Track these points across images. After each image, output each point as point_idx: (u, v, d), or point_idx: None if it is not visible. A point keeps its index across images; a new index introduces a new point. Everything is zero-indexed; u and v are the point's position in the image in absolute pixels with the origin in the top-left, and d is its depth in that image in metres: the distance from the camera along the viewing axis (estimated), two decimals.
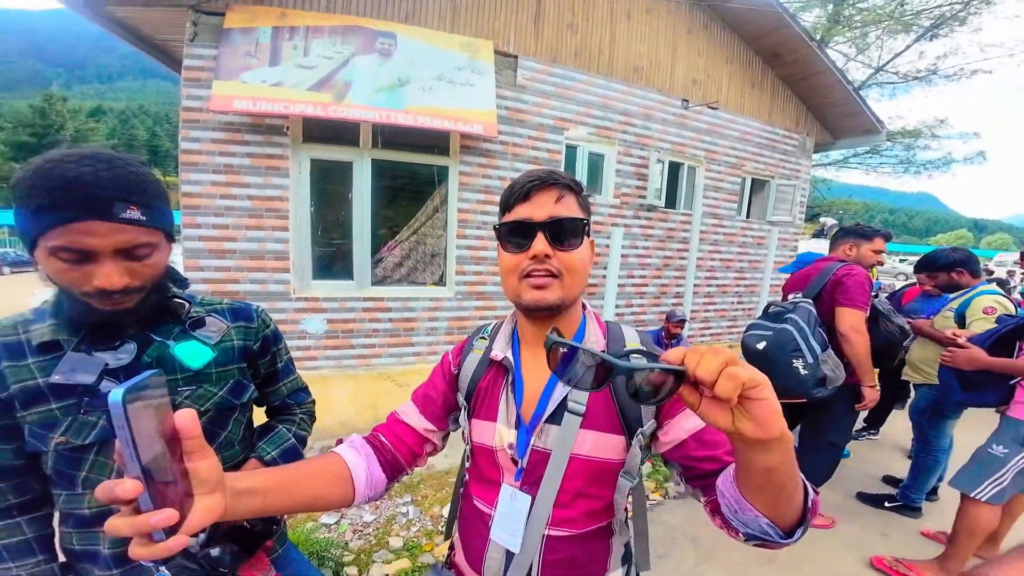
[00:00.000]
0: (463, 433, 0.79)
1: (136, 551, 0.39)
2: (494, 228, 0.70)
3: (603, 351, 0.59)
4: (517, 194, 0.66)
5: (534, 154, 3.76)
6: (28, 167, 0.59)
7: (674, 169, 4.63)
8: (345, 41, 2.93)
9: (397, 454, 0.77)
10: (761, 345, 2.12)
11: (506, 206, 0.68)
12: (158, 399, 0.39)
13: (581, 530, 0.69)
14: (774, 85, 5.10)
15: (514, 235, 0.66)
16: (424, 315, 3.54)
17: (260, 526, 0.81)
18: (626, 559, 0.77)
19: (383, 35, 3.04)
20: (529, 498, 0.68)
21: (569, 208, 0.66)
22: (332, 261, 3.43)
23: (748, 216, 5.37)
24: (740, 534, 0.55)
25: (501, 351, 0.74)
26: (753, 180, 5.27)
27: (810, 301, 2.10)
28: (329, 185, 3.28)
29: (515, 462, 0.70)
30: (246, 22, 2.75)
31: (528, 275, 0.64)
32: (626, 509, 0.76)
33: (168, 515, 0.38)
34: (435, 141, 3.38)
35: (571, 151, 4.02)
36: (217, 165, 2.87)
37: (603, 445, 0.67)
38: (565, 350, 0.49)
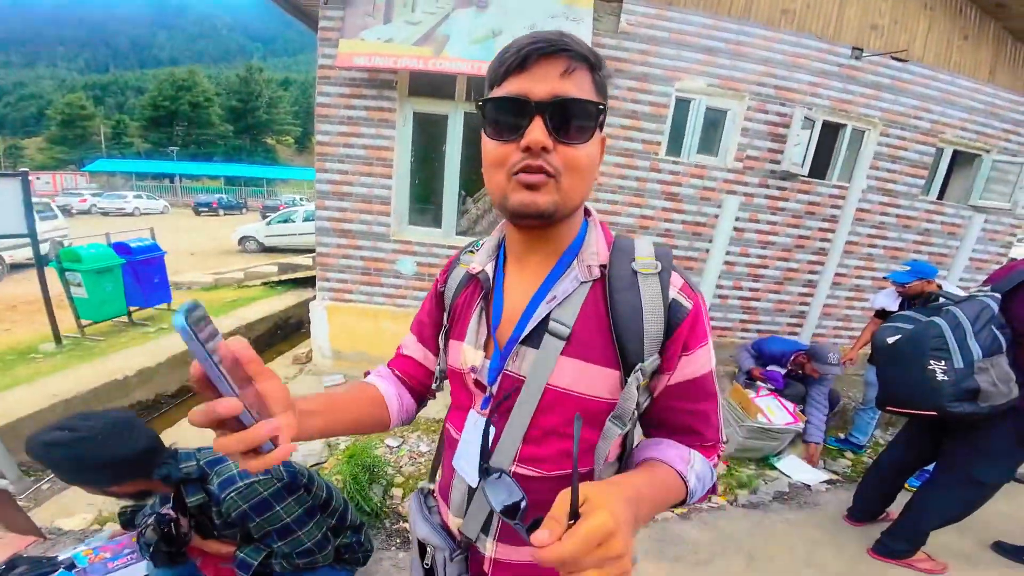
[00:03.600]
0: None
1: (251, 464, 0.40)
2: (477, 105, 0.55)
3: (601, 271, 0.60)
4: (511, 61, 0.51)
5: (632, 107, 3.57)
6: None
7: (829, 132, 3.89)
8: None
9: (412, 385, 0.78)
10: (893, 339, 1.82)
11: (495, 78, 0.54)
12: (209, 326, 0.38)
13: (552, 472, 0.62)
14: (997, 39, 3.83)
15: (503, 116, 0.53)
16: None
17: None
18: None
19: None
20: (491, 429, 0.61)
21: (581, 87, 0.52)
22: (425, 209, 3.89)
23: (941, 196, 4.24)
24: None
25: (479, 263, 0.67)
26: (955, 152, 4.11)
27: (996, 296, 1.69)
28: (428, 137, 3.67)
29: (481, 387, 0.65)
30: None
31: (518, 172, 0.52)
32: (619, 459, 0.69)
33: (275, 424, 0.41)
34: None
35: (682, 105, 3.69)
36: (342, 117, 3.47)
37: (589, 379, 0.58)
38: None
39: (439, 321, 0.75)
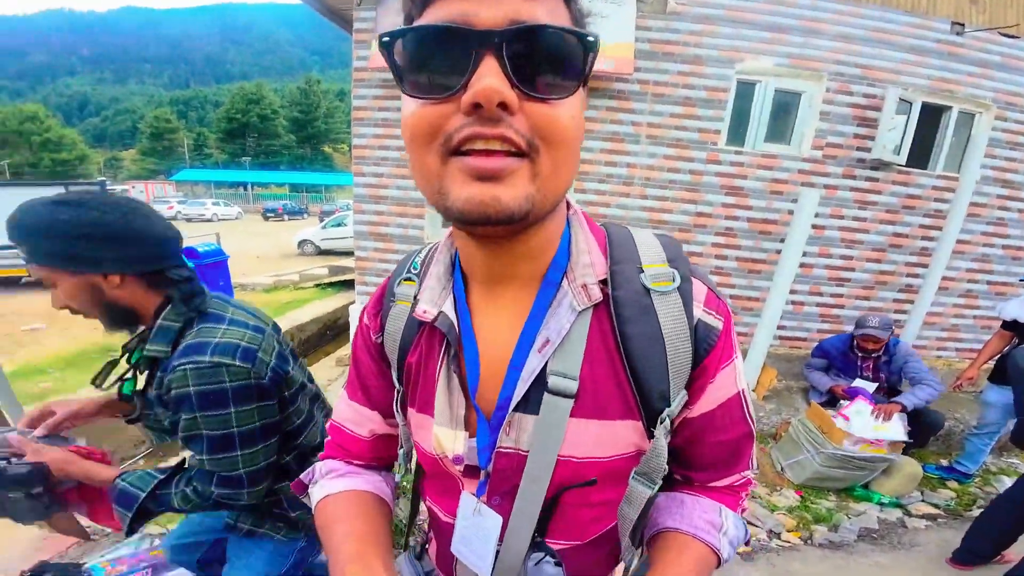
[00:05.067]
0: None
1: None
2: (381, 44, 0.35)
3: (602, 290, 0.45)
4: None
5: (685, 93, 3.23)
6: None
7: (930, 116, 3.30)
8: None
9: (381, 466, 0.62)
10: None
11: (415, 2, 0.36)
12: None
13: (584, 541, 0.53)
14: None
15: (431, 57, 0.34)
16: None
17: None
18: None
19: None
20: (499, 519, 0.49)
21: (552, 12, 0.35)
22: None
23: None
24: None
25: (431, 304, 0.48)
26: None
27: None
28: None
29: (472, 472, 0.50)
30: None
31: (461, 148, 0.34)
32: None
33: None
34: None
35: (746, 89, 3.29)
36: (376, 120, 3.44)
37: (611, 440, 0.46)
38: None
39: (389, 382, 0.56)
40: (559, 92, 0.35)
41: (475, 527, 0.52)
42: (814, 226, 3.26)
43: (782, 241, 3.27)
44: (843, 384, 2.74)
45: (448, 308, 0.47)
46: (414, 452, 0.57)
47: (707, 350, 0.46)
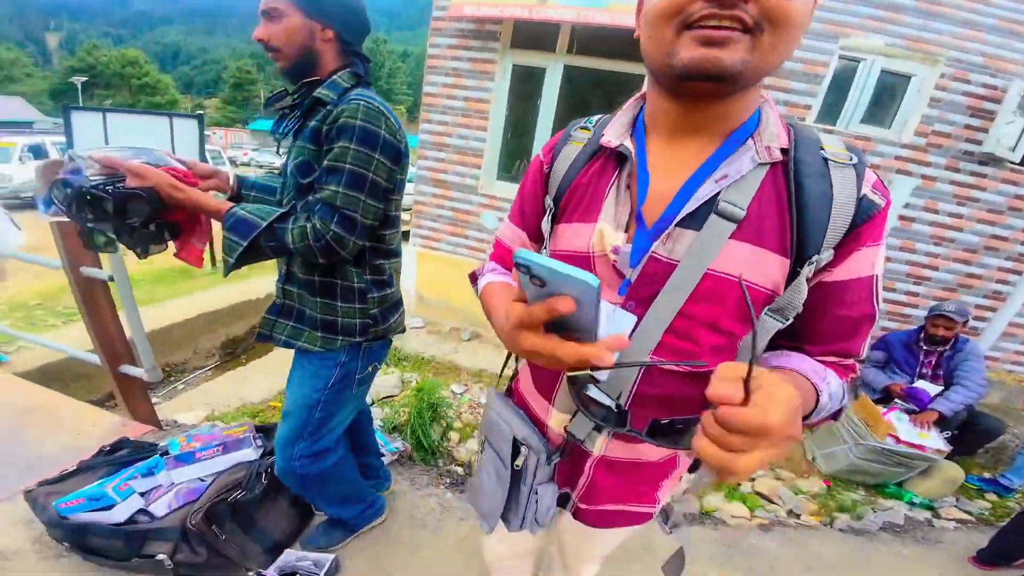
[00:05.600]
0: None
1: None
2: None
3: (783, 154, 0.52)
4: None
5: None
6: None
7: None
8: None
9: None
10: None
11: None
12: None
13: (696, 368, 0.57)
14: None
15: None
16: None
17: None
18: None
19: None
20: (634, 318, 0.55)
21: None
22: (514, 164, 3.78)
23: None
24: None
25: (616, 137, 0.58)
26: None
27: None
28: (524, 92, 3.51)
29: (619, 273, 0.57)
30: None
31: (696, 23, 0.44)
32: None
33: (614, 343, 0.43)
34: (635, 46, 3.11)
35: (848, 67, 3.00)
36: (448, 69, 3.47)
37: (761, 266, 0.51)
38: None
39: (542, 206, 0.68)
40: None
41: (606, 330, 0.55)
42: (901, 217, 3.01)
43: None
44: (901, 383, 2.58)
45: (628, 143, 0.57)
46: None
47: (864, 221, 0.51)
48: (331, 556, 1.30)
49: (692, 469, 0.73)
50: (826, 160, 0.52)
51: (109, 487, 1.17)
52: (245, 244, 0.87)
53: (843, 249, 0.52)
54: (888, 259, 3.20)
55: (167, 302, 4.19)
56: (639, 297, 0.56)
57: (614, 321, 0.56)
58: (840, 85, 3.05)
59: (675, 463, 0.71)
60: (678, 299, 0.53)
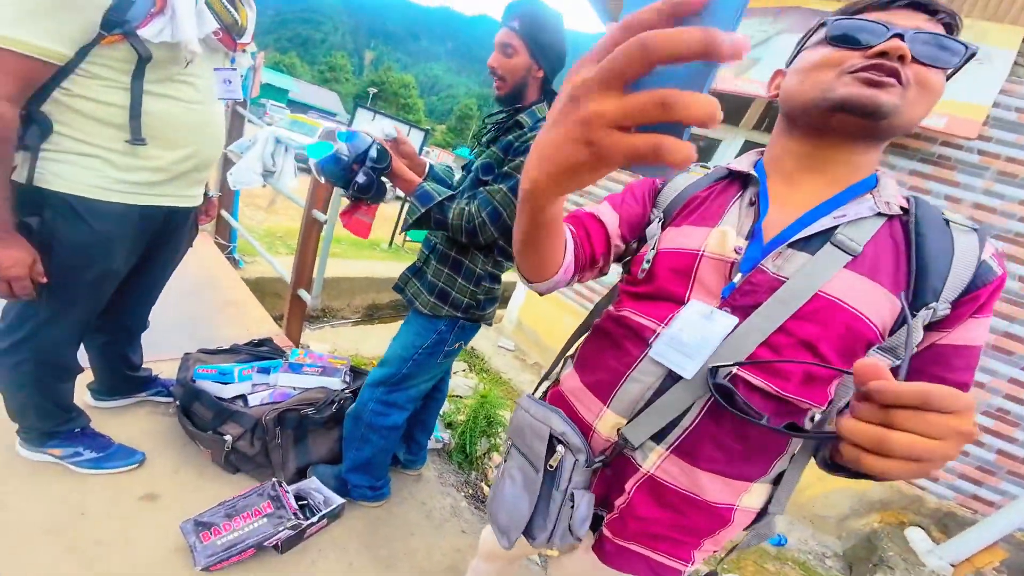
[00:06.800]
0: (643, 248, 0.67)
1: None
2: (811, 30, 0.58)
3: (902, 211, 0.55)
4: (870, 1, 0.54)
5: None
6: None
7: None
8: (777, 20, 2.84)
9: (583, 246, 0.66)
10: None
11: (848, 11, 0.55)
12: None
13: (785, 392, 0.55)
14: None
15: (855, 32, 0.51)
16: None
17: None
18: (777, 479, 0.62)
19: (821, 13, 2.70)
20: (734, 320, 0.56)
21: (936, 27, 0.52)
22: None
23: None
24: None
25: (743, 166, 0.64)
26: None
27: None
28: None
29: (725, 278, 0.58)
30: None
31: (859, 70, 0.50)
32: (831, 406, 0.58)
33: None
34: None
35: None
36: None
37: (872, 298, 0.52)
38: None
39: (643, 211, 0.71)
40: (940, 63, 0.50)
41: (698, 329, 0.57)
42: None
43: None
44: None
45: (753, 172, 0.63)
46: (651, 261, 0.65)
47: (982, 284, 0.52)
48: (341, 501, 1.42)
49: (755, 521, 0.64)
50: (947, 221, 0.55)
51: (236, 369, 1.56)
52: (423, 209, 1.12)
53: (959, 311, 0.53)
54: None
55: (352, 261, 5.35)
56: (737, 304, 0.57)
57: (712, 321, 0.57)
58: None
59: (731, 517, 0.62)
60: (782, 313, 0.54)
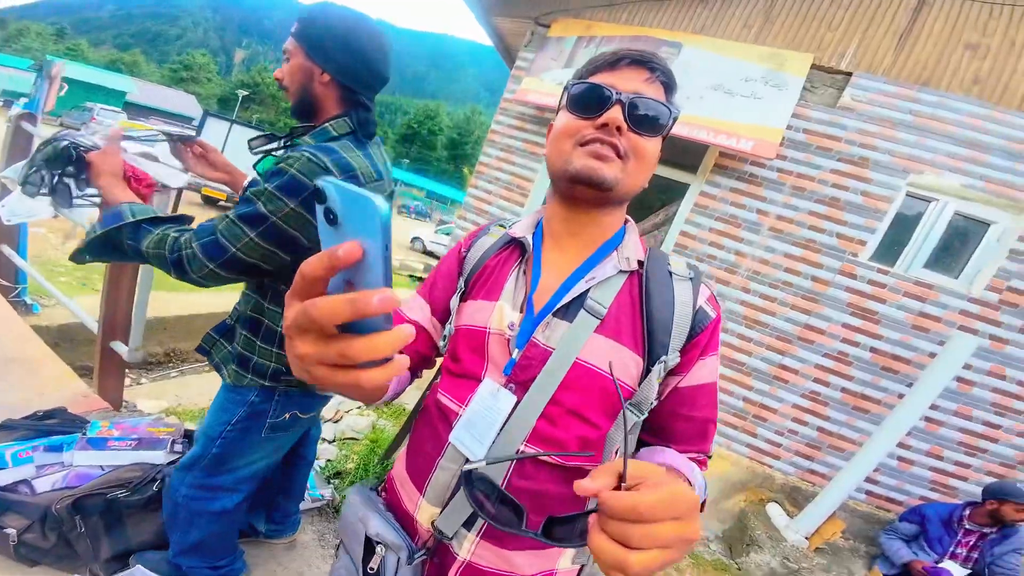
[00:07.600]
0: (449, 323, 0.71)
1: (372, 375, 0.36)
2: (564, 89, 0.63)
3: (639, 265, 0.63)
4: (602, 61, 0.61)
5: (832, 192, 2.89)
6: None
7: None
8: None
9: (410, 355, 0.69)
10: None
11: (588, 70, 0.63)
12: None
13: (566, 461, 0.60)
14: None
15: (586, 99, 0.59)
16: None
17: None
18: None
19: (668, 44, 3.15)
20: (514, 398, 0.59)
21: (657, 94, 0.60)
22: None
23: None
24: None
25: (521, 231, 0.69)
26: None
27: None
28: None
29: (508, 352, 0.62)
30: (562, 32, 3.44)
31: (587, 143, 0.58)
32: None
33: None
34: (684, 155, 3.16)
35: (915, 204, 2.85)
36: (503, 144, 3.75)
37: (619, 361, 0.59)
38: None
39: (453, 285, 0.73)
40: (651, 132, 0.59)
41: (486, 410, 0.61)
42: (960, 379, 2.62)
43: (909, 385, 2.70)
44: (925, 561, 2.29)
45: (529, 237, 0.68)
46: (452, 339, 0.69)
47: (701, 329, 0.62)
48: None
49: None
50: (670, 273, 0.63)
51: (9, 452, 1.19)
52: (99, 232, 0.84)
53: (687, 356, 0.61)
54: (939, 423, 2.76)
55: (201, 293, 4.43)
56: (519, 380, 0.60)
57: (496, 400, 0.60)
58: (904, 224, 2.88)
59: None
60: (551, 384, 0.58)
